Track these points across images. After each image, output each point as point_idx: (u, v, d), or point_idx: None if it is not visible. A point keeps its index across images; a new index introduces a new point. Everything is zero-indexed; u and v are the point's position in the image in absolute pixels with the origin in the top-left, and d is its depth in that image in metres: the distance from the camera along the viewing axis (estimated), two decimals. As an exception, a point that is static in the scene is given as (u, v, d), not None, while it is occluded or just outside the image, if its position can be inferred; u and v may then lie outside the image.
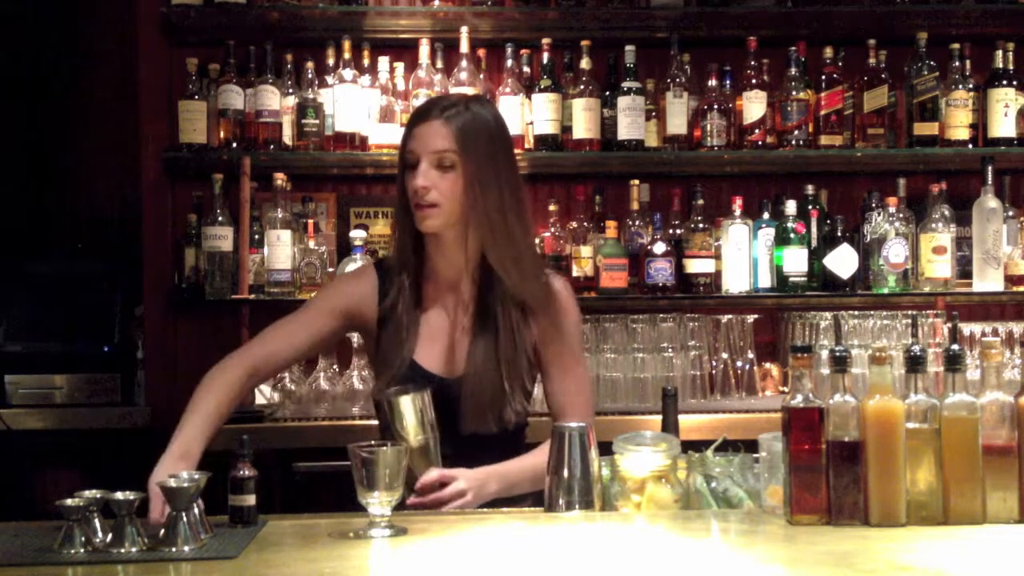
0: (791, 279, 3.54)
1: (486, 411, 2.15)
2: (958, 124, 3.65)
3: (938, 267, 3.52)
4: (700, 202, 3.61)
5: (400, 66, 3.71)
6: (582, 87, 3.59)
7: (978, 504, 1.73)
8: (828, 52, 3.67)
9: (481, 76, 3.68)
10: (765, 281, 3.58)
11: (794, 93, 3.60)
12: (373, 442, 1.81)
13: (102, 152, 4.12)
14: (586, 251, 3.59)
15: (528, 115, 3.62)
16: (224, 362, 2.16)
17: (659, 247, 3.55)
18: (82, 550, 1.61)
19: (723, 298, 3.63)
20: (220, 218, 3.53)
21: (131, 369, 3.72)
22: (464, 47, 3.60)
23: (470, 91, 3.56)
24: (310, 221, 3.57)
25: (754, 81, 3.64)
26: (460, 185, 2.15)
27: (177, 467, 1.84)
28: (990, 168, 3.53)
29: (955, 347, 1.75)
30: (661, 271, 3.54)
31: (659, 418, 2.21)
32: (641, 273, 3.56)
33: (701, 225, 3.58)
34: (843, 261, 3.56)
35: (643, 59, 3.65)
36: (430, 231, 2.17)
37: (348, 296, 2.28)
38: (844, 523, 1.72)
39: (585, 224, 3.66)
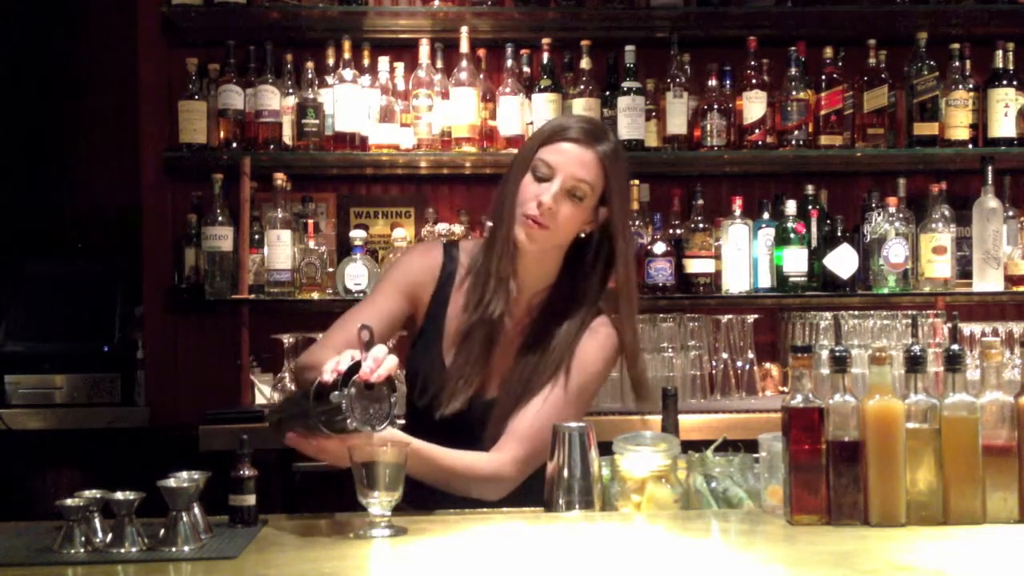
0: (791, 279, 3.54)
1: None
2: (958, 124, 3.65)
3: (938, 267, 3.52)
4: (700, 202, 3.61)
5: (400, 66, 3.71)
6: (582, 87, 3.59)
7: (978, 504, 1.73)
8: (828, 52, 3.67)
9: (481, 76, 3.68)
10: (765, 281, 3.58)
11: (794, 93, 3.60)
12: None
13: (102, 152, 4.13)
14: (586, 251, 3.59)
15: (528, 115, 3.62)
16: (312, 348, 2.12)
17: (659, 247, 3.55)
18: (82, 550, 1.60)
19: (723, 298, 3.63)
20: (220, 218, 3.53)
21: (131, 369, 3.72)
22: (464, 47, 3.60)
23: (471, 91, 3.57)
24: (310, 221, 3.57)
25: (754, 81, 3.64)
26: (579, 219, 2.09)
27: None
28: (990, 168, 3.53)
29: (955, 347, 1.75)
30: (661, 271, 3.54)
31: (659, 418, 2.21)
32: (641, 273, 3.55)
33: (701, 225, 3.58)
34: (843, 261, 3.56)
35: (643, 59, 3.65)
36: (524, 248, 2.08)
37: (412, 272, 2.19)
38: (844, 523, 1.72)
39: (585, 224, 3.66)
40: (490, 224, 2.19)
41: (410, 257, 2.29)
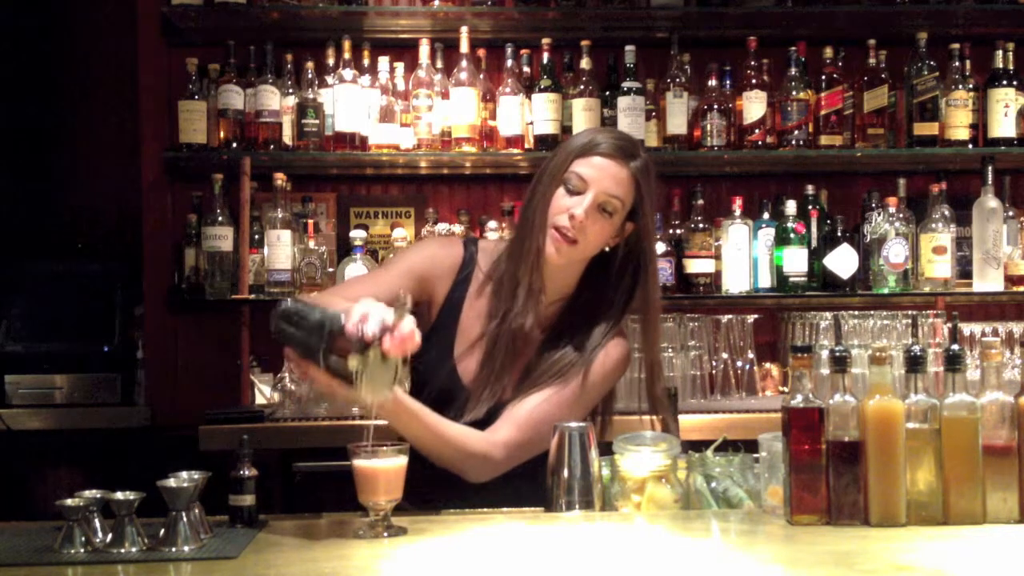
0: (791, 279, 3.54)
1: None
2: (958, 124, 3.65)
3: (938, 267, 3.52)
4: (700, 202, 3.62)
5: (400, 66, 3.71)
6: (582, 87, 3.59)
7: (978, 504, 1.73)
8: (828, 52, 3.67)
9: (481, 76, 3.68)
10: (765, 281, 3.59)
11: (794, 93, 3.60)
12: (373, 442, 1.80)
13: (102, 152, 4.13)
14: (586, 251, 3.59)
15: (528, 115, 3.62)
16: (323, 293, 2.11)
17: (659, 247, 3.55)
18: (82, 550, 1.61)
19: (723, 298, 3.63)
20: (220, 218, 3.53)
21: (131, 369, 3.72)
22: (464, 47, 3.60)
23: (471, 91, 3.57)
24: (310, 221, 3.57)
25: (754, 81, 3.64)
26: (607, 234, 2.09)
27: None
28: (990, 168, 3.53)
29: (955, 347, 1.75)
30: (661, 271, 3.53)
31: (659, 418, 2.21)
32: (641, 273, 3.55)
33: (701, 225, 3.58)
34: (843, 261, 3.56)
35: (643, 59, 3.65)
36: (552, 260, 2.08)
37: (430, 263, 2.17)
38: (844, 523, 1.72)
39: (585, 224, 3.66)
40: (516, 233, 2.17)
41: (431, 247, 2.28)
